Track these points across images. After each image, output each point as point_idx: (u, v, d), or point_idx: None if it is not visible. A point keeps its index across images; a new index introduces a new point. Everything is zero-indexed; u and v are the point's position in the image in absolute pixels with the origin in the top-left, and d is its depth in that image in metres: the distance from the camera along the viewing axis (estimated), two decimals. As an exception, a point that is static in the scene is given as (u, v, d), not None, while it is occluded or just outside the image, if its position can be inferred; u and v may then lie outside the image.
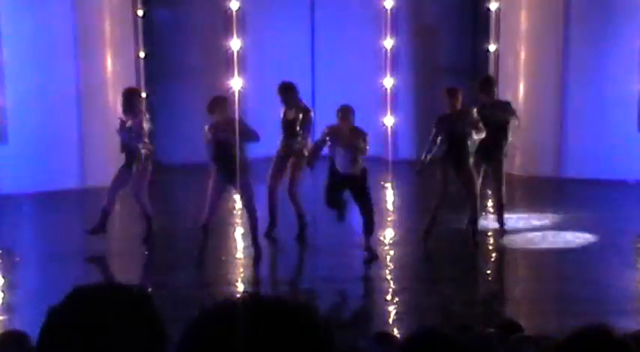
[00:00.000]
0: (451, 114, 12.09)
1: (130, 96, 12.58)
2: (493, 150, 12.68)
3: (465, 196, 12.25)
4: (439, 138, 12.04)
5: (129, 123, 12.35)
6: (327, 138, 11.75)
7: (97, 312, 2.22)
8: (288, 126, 12.78)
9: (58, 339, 2.21)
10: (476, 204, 12.22)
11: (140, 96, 13.21)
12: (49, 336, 2.23)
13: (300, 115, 12.66)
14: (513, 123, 12.86)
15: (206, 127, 11.88)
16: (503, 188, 13.06)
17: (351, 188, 11.78)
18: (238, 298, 2.12)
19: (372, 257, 11.80)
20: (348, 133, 11.67)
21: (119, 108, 12.81)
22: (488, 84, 13.10)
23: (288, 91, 12.74)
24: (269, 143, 13.55)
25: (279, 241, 13.07)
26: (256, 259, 11.99)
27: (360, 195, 11.76)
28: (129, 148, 12.46)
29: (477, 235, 12.40)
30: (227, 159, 11.70)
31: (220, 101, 12.00)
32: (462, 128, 11.99)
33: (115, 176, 12.68)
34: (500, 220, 13.20)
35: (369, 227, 11.81)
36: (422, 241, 12.31)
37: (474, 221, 12.33)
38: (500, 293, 11.35)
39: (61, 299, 2.24)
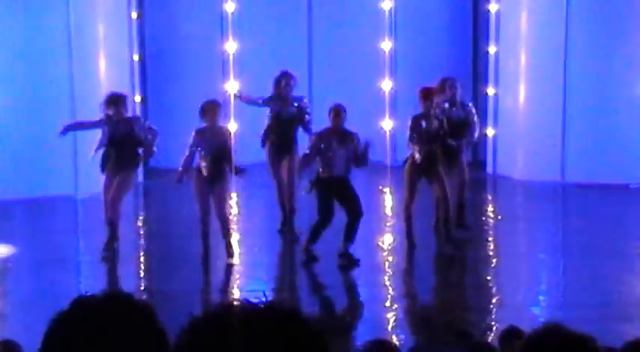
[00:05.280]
0: (426, 114, 12.18)
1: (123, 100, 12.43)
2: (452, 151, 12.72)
3: (437, 197, 12.29)
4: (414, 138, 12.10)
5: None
6: (321, 145, 11.64)
7: (101, 323, 2.18)
8: None
9: (61, 350, 2.17)
10: (448, 203, 12.18)
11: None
12: (52, 347, 2.18)
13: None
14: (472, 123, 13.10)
15: (194, 132, 11.82)
16: (465, 187, 13.07)
17: (341, 190, 11.64)
18: (231, 305, 2.08)
19: (350, 262, 11.68)
20: (341, 133, 11.72)
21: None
22: (447, 85, 13.32)
23: None
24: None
25: (274, 247, 12.96)
26: (231, 262, 11.92)
27: (350, 195, 11.70)
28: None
29: (451, 234, 12.34)
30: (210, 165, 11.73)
31: (211, 106, 11.82)
32: (436, 127, 12.10)
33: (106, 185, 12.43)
34: (462, 220, 13.07)
35: (352, 232, 11.68)
36: (408, 246, 12.26)
37: (447, 220, 12.26)
38: (500, 299, 11.19)
39: (64, 309, 2.18)
